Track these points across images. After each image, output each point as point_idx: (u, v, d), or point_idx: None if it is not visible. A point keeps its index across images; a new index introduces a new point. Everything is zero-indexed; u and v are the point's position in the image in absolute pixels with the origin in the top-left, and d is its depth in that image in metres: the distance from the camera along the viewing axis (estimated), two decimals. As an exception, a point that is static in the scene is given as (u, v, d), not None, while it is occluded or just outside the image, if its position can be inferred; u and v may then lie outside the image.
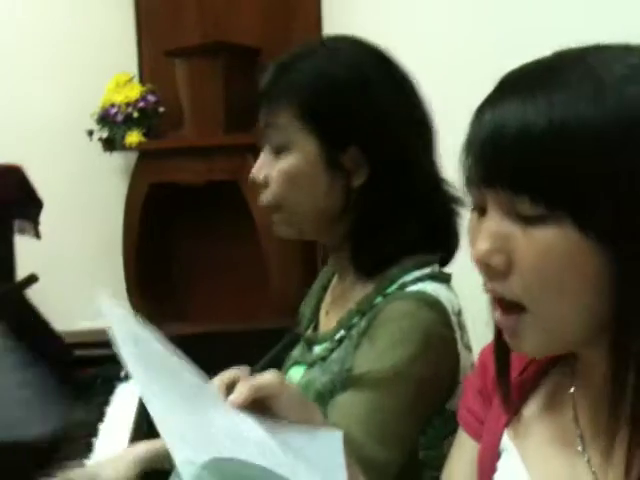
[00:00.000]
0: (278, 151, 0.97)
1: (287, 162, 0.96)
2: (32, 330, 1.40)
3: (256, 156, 2.40)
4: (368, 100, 0.95)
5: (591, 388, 0.65)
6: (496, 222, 0.60)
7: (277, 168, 0.97)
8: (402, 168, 0.96)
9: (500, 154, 0.58)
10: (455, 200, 0.99)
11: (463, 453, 0.77)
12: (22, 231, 1.64)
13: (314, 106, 0.95)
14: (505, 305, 0.61)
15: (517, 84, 0.60)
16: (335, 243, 1.02)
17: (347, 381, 0.90)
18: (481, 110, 0.61)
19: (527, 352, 0.64)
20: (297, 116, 0.95)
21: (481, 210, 0.62)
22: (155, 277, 2.63)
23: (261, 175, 0.99)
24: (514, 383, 0.70)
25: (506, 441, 0.71)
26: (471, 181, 0.62)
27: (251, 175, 1.00)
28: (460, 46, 1.79)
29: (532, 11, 1.67)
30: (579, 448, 0.65)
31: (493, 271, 0.60)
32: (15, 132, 2.35)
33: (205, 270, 2.63)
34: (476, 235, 0.61)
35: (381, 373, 0.88)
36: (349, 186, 0.96)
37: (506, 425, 0.71)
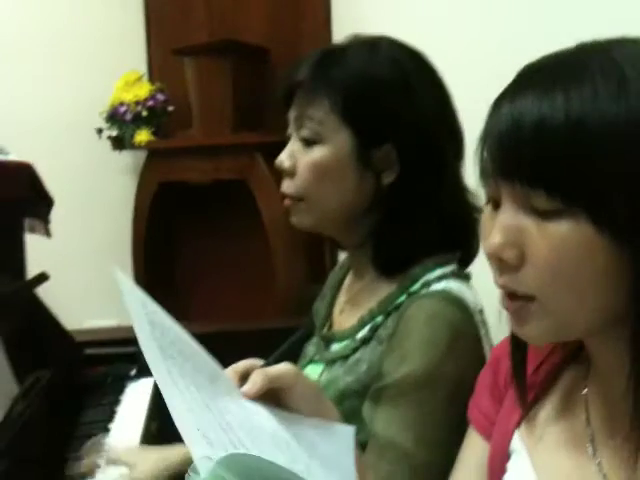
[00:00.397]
0: (309, 142, 0.97)
1: (318, 154, 0.96)
2: (42, 329, 1.40)
3: (264, 155, 2.43)
4: (409, 100, 0.95)
5: (605, 388, 0.64)
6: (510, 215, 0.59)
7: (307, 159, 0.97)
8: (432, 170, 0.96)
9: (517, 147, 0.57)
10: (477, 209, 0.99)
11: (472, 453, 0.77)
12: (32, 229, 1.64)
13: (355, 101, 0.94)
14: (515, 298, 0.61)
15: (535, 77, 0.59)
16: (355, 241, 1.01)
17: (381, 390, 0.89)
18: (498, 103, 0.60)
19: (531, 338, 0.63)
20: (335, 110, 0.95)
21: (495, 203, 0.62)
22: (163, 275, 2.64)
23: (289, 163, 0.98)
24: (527, 382, 0.69)
25: (516, 442, 0.70)
26: (486, 174, 0.61)
27: (278, 161, 1.00)
28: (469, 45, 1.79)
29: (538, 10, 1.67)
30: (590, 451, 0.64)
31: (505, 264, 0.59)
32: (24, 130, 2.36)
33: (212, 269, 2.63)
34: (489, 228, 0.61)
35: (412, 377, 0.87)
36: (378, 184, 0.96)
37: (517, 425, 0.70)
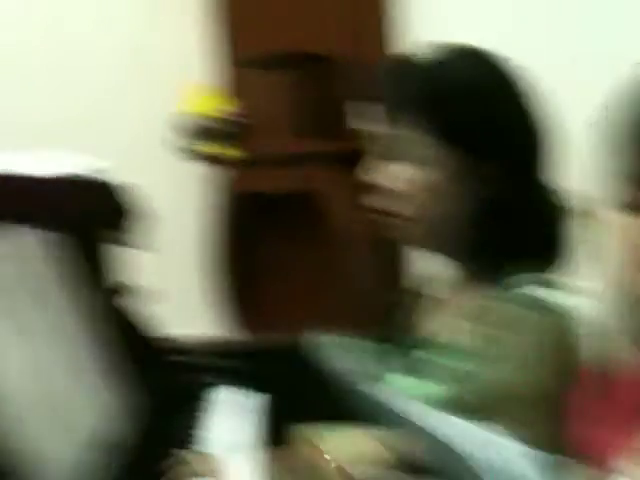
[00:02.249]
0: (412, 162, 0.99)
1: (427, 175, 0.99)
2: (131, 334, 1.43)
3: (331, 165, 2.42)
4: (511, 114, 0.97)
5: None
6: None
7: (415, 180, 1.00)
8: (529, 183, 0.99)
9: None
10: (564, 212, 1.01)
11: None
12: (129, 244, 1.68)
13: (459, 120, 0.97)
14: None
15: None
16: (456, 255, 1.03)
17: (469, 400, 0.90)
18: None
19: None
20: (438, 129, 0.97)
21: None
22: (240, 286, 2.68)
23: (396, 185, 1.01)
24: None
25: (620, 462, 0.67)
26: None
27: (381, 183, 1.02)
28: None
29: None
30: None
31: None
32: (100, 143, 2.43)
33: (282, 279, 2.67)
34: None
35: (516, 393, 0.87)
36: (480, 199, 0.98)
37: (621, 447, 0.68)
